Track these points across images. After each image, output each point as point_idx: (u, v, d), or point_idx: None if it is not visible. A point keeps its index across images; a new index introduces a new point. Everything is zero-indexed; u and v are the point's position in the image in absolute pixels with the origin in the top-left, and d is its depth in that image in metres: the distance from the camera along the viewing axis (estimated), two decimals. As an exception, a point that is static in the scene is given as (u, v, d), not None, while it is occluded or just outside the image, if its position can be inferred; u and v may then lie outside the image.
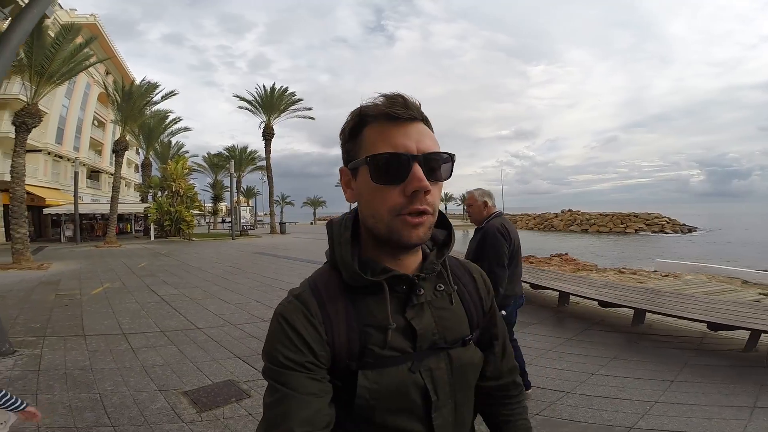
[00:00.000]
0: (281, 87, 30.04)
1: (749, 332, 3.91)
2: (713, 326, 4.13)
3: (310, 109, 31.41)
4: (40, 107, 21.17)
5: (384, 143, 0.63)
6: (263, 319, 5.43)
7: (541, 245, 25.84)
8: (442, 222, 0.79)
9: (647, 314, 4.76)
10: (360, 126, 0.67)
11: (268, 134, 29.92)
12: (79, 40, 14.34)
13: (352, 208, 0.77)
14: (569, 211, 58.66)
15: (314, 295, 0.69)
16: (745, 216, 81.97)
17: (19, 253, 11.06)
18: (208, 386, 3.35)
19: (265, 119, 30.01)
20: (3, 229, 21.84)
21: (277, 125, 30.78)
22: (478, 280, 0.84)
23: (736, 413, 2.78)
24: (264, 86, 29.77)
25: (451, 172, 0.69)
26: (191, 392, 3.22)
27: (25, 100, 13.04)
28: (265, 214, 45.49)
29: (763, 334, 3.90)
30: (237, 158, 36.83)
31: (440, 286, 0.74)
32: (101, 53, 24.84)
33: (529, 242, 31.24)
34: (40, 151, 23.90)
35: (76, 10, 29.33)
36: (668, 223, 48.39)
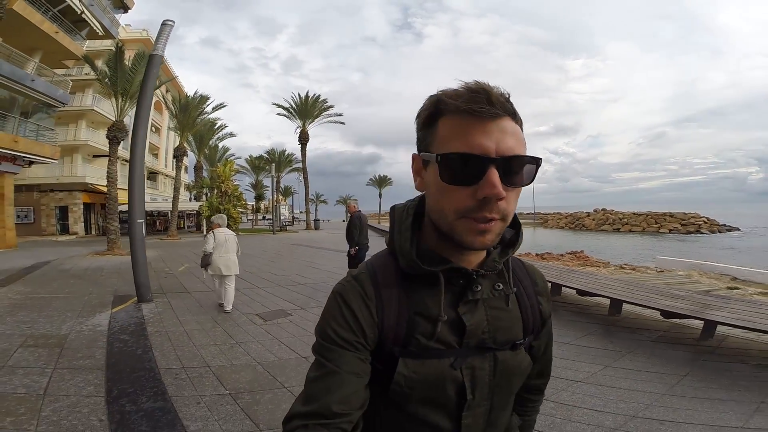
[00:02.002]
0: (314, 95, 32.66)
1: (609, 299, 4.91)
2: (614, 302, 4.98)
3: (340, 114, 33.87)
4: (107, 116, 24.83)
5: (458, 140, 0.58)
6: (300, 284, 7.81)
7: (564, 243, 26.91)
8: (512, 221, 0.70)
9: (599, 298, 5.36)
10: (435, 115, 0.62)
11: (303, 139, 32.60)
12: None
13: (418, 195, 0.74)
14: (603, 210, 58.05)
15: (371, 278, 0.70)
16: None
17: (112, 242, 13.96)
18: (268, 311, 5.61)
19: (300, 124, 32.75)
20: (83, 224, 25.73)
21: (311, 128, 33.48)
22: (540, 285, 0.81)
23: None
24: (299, 94, 32.51)
25: (534, 177, 0.62)
26: (260, 313, 5.51)
27: (111, 117, 16.01)
28: (301, 212, 48.62)
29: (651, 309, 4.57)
30: (276, 160, 40.03)
31: (499, 286, 0.71)
32: (162, 73, 28.18)
33: (554, 240, 32.32)
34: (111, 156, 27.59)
35: (130, 25, 32.75)
36: (705, 223, 47.15)
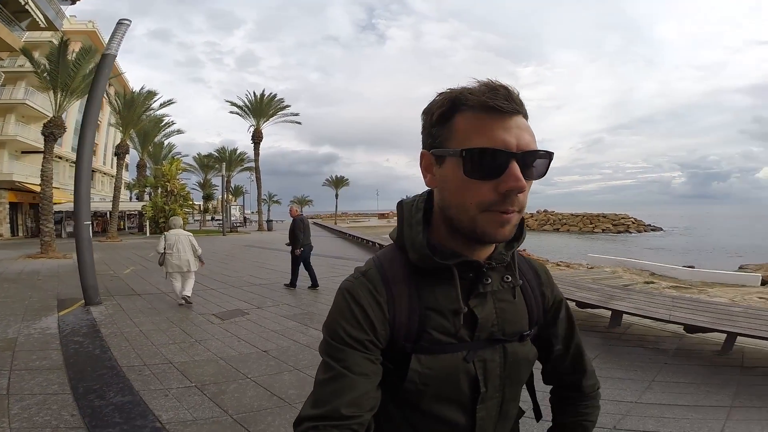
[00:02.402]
0: (270, 94, 32.12)
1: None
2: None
3: (296, 114, 33.57)
4: (42, 111, 23.00)
5: (481, 136, 0.60)
6: (255, 285, 7.97)
7: None
8: None
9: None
10: (451, 111, 0.63)
11: (257, 138, 31.95)
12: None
13: (424, 190, 0.74)
14: (544, 211, 61.96)
15: (380, 274, 0.70)
16: (717, 218, 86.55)
17: (47, 244, 13.07)
18: (225, 311, 5.77)
19: (254, 123, 32.07)
20: (9, 225, 23.57)
21: (266, 127, 32.89)
22: (542, 278, 0.83)
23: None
24: (254, 93, 31.85)
25: (547, 170, 0.65)
26: (217, 313, 5.67)
27: (45, 112, 14.90)
28: (253, 213, 47.42)
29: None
30: (227, 159, 38.79)
31: (507, 278, 0.73)
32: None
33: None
34: (43, 152, 25.48)
35: (75, 16, 30.60)
36: (633, 223, 52.00)
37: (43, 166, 13.72)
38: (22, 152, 24.52)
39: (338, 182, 58.84)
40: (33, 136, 24.17)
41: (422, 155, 0.70)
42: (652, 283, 10.89)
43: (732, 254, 25.26)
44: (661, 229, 53.10)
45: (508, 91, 0.60)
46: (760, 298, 8.10)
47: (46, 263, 11.42)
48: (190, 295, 6.17)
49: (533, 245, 28.19)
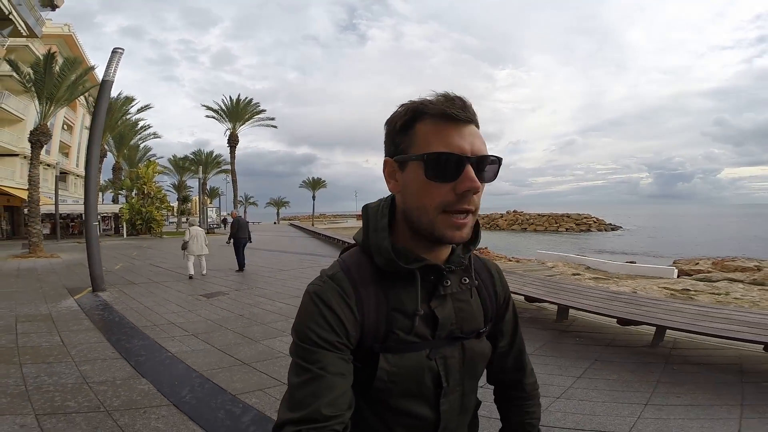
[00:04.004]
0: (246, 98, 33.30)
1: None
2: None
3: (272, 119, 34.84)
4: (16, 114, 23.41)
5: (439, 142, 0.65)
6: (232, 275, 9.60)
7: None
8: None
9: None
10: (413, 121, 0.69)
11: (233, 141, 33.03)
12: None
13: (387, 195, 0.78)
14: (514, 212, 64.89)
15: (347, 276, 0.72)
16: (678, 217, 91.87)
17: (35, 245, 14.06)
18: (209, 293, 7.29)
19: (230, 127, 33.12)
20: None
21: (242, 129, 33.95)
22: (495, 277, 0.88)
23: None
24: (230, 97, 32.94)
25: (497, 174, 0.71)
26: (203, 294, 7.19)
27: (20, 115, 15.68)
28: (229, 214, 48.10)
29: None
30: (203, 162, 39.60)
31: (465, 280, 0.78)
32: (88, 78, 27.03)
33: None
34: (17, 155, 25.53)
35: (51, 19, 30.75)
36: (595, 222, 55.39)
37: (30, 171, 14.64)
38: None
39: (315, 184, 60.05)
40: (7, 138, 24.45)
41: (385, 162, 0.74)
42: (578, 275, 12.70)
43: (679, 249, 27.68)
44: (621, 227, 56.72)
45: (463, 102, 0.66)
46: (660, 287, 9.25)
47: (37, 262, 12.50)
48: (205, 272, 9.35)
49: (498, 243, 30.34)
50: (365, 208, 0.79)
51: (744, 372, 3.52)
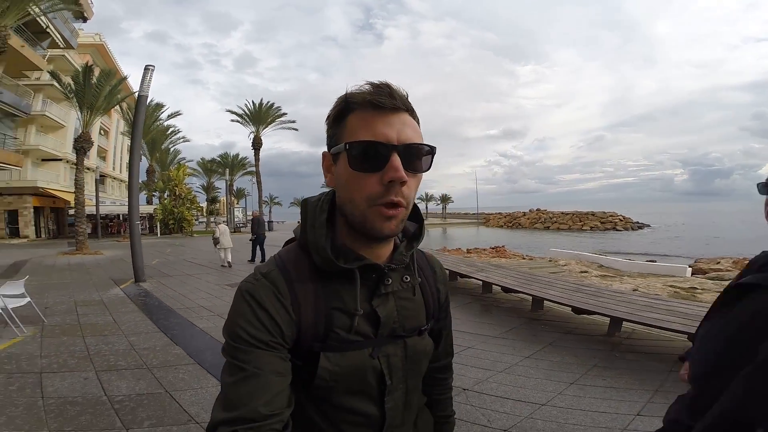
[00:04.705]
0: (268, 102, 34.71)
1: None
2: (485, 283, 6.60)
3: (293, 121, 36.17)
4: (58, 121, 25.28)
5: (365, 131, 0.64)
6: (250, 270, 10.50)
7: (499, 239, 30.61)
8: (415, 215, 0.80)
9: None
10: (345, 112, 0.67)
11: (257, 144, 34.51)
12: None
13: (329, 190, 0.76)
14: (537, 210, 64.18)
15: (283, 275, 0.70)
16: (714, 214, 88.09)
17: (81, 243, 15.60)
18: (234, 283, 8.24)
19: (254, 130, 34.64)
20: (33, 227, 26.06)
21: (265, 132, 35.42)
22: (438, 273, 0.89)
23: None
24: (253, 101, 34.56)
25: (431, 164, 0.69)
26: (228, 284, 8.16)
27: (61, 122, 17.24)
28: (252, 214, 50.00)
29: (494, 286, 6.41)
30: (229, 164, 41.47)
31: (407, 278, 0.77)
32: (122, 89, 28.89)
33: (491, 237, 36.43)
34: (61, 159, 27.53)
35: (83, 29, 32.55)
36: (621, 221, 54.13)
37: (76, 176, 16.22)
38: (42, 160, 26.74)
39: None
40: (51, 144, 26.41)
41: (323, 156, 0.73)
42: (585, 272, 12.99)
43: (704, 248, 26.77)
44: (649, 226, 55.20)
45: (390, 89, 0.65)
46: (665, 285, 8.90)
47: (84, 258, 13.95)
48: (230, 260, 11.19)
49: (517, 242, 30.48)
50: (304, 202, 0.76)
51: (676, 362, 3.69)
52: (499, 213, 72.47)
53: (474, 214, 78.17)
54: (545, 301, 5.52)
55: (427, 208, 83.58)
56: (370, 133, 0.64)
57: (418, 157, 0.67)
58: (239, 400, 0.60)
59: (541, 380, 3.45)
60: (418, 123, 0.70)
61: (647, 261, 16.04)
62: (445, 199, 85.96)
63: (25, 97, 19.47)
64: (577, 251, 18.97)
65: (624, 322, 4.39)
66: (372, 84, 0.66)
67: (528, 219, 60.62)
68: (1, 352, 4.12)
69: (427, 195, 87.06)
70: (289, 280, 0.70)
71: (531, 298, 5.68)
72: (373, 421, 0.75)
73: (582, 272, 12.85)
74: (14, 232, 25.03)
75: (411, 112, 0.68)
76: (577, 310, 4.85)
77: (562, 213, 59.27)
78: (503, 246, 23.66)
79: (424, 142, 0.67)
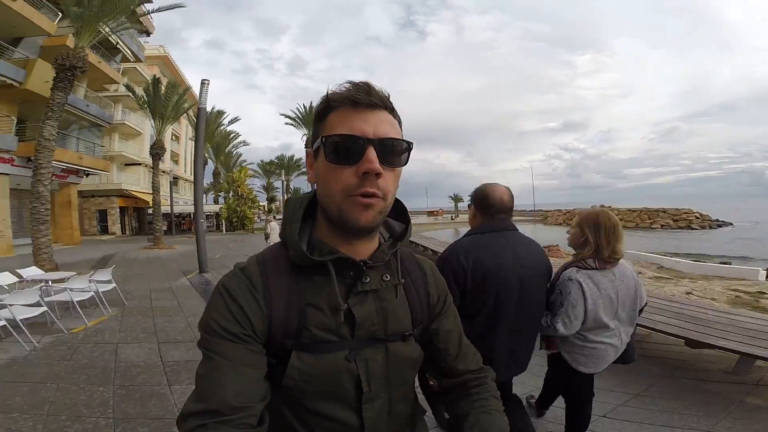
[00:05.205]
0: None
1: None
2: None
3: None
4: (137, 129, 28.02)
5: (342, 126, 0.66)
6: None
7: (555, 238, 29.40)
8: (402, 215, 0.82)
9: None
10: (326, 110, 0.69)
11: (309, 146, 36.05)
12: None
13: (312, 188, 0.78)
14: (601, 206, 59.95)
15: (260, 269, 0.71)
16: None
17: (158, 239, 17.48)
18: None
19: (306, 132, 36.18)
20: (119, 225, 29.35)
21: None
22: (428, 276, 0.85)
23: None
24: (303, 105, 35.98)
25: (408, 159, 0.70)
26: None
27: (139, 129, 19.30)
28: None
29: None
30: (285, 166, 43.72)
31: (386, 277, 0.74)
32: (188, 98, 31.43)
33: (547, 235, 34.88)
34: (140, 164, 30.32)
35: (148, 42, 34.53)
36: (697, 218, 49.46)
37: (153, 179, 18.16)
38: (125, 164, 29.76)
39: (384, 182, 62.06)
40: (131, 150, 29.17)
41: (306, 153, 0.75)
42: (639, 273, 12.12)
43: None
44: (731, 224, 49.89)
45: (369, 87, 0.67)
46: (726, 289, 7.65)
47: (160, 252, 15.67)
48: None
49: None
50: (287, 200, 0.77)
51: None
52: (558, 210, 69.13)
53: (531, 211, 75.36)
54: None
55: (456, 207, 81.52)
56: (347, 128, 0.66)
57: (395, 151, 0.68)
58: (208, 391, 0.60)
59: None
60: (400, 122, 0.72)
61: (720, 263, 14.72)
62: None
63: (107, 108, 21.92)
64: (637, 251, 17.85)
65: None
66: (352, 83, 0.68)
67: (589, 217, 57.22)
68: (92, 327, 5.01)
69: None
70: (265, 275, 0.71)
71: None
72: (351, 429, 0.72)
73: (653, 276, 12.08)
74: (104, 229, 28.23)
75: (391, 110, 0.70)
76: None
77: (629, 210, 55.28)
78: (557, 245, 22.76)
79: (401, 138, 0.69)
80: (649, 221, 50.38)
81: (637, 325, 3.67)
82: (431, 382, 1.54)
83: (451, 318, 0.87)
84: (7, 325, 4.19)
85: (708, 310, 4.00)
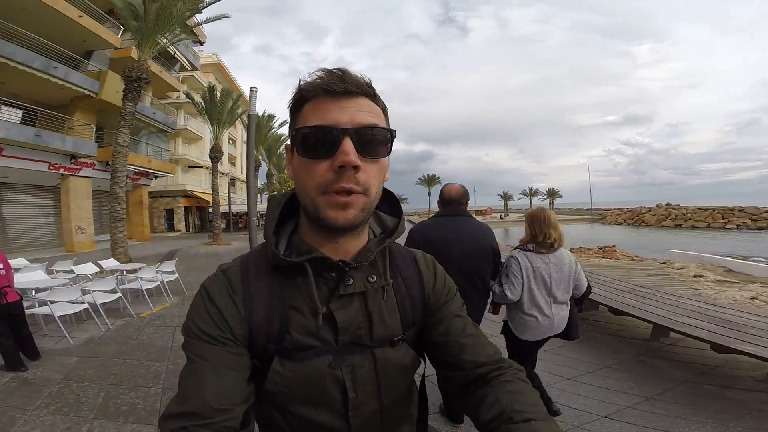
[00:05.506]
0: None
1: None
2: None
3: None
4: (197, 133, 29.95)
5: (315, 117, 0.61)
6: None
7: (614, 238, 27.86)
8: (395, 208, 0.77)
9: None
10: (301, 102, 0.64)
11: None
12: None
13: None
14: (666, 205, 56.13)
15: (242, 271, 0.69)
16: None
17: (217, 236, 18.82)
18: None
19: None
20: (184, 222, 31.73)
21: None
22: (424, 273, 0.78)
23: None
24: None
25: (390, 149, 0.64)
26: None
27: (199, 134, 20.75)
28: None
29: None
30: (334, 165, 44.74)
31: (373, 278, 0.70)
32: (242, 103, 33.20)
33: (604, 235, 33.13)
34: (202, 166, 32.20)
35: (202, 50, 34.07)
36: (780, 218, 44.53)
37: (212, 180, 19.55)
38: (189, 167, 31.92)
39: (430, 181, 61.80)
40: (194, 154, 31.16)
41: (285, 149, 0.70)
42: (700, 276, 11.31)
43: None
44: (825, 225, 44.26)
45: (343, 74, 0.61)
46: None
47: (218, 248, 16.90)
48: None
49: (633, 241, 27.32)
50: (269, 198, 0.73)
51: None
52: (619, 209, 64.97)
53: (587, 210, 71.09)
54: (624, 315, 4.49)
55: (531, 203, 78.70)
56: (320, 119, 0.61)
57: (375, 141, 0.62)
58: (189, 393, 0.59)
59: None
60: (384, 109, 0.67)
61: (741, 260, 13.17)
62: (552, 194, 79.87)
63: (171, 114, 23.72)
64: (702, 253, 16.48)
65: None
66: (325, 70, 0.63)
67: (654, 216, 53.20)
68: (156, 313, 5.65)
69: (531, 190, 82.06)
70: (246, 277, 0.68)
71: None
72: None
73: (695, 276, 11.26)
74: (171, 227, 30.46)
75: (372, 97, 0.65)
76: (615, 311, 4.33)
77: (699, 209, 50.71)
78: (613, 246, 21.61)
79: (382, 126, 0.64)
80: (723, 221, 45.88)
81: (663, 327, 3.76)
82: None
83: (454, 309, 0.79)
84: (89, 309, 4.88)
85: (746, 314, 3.76)
